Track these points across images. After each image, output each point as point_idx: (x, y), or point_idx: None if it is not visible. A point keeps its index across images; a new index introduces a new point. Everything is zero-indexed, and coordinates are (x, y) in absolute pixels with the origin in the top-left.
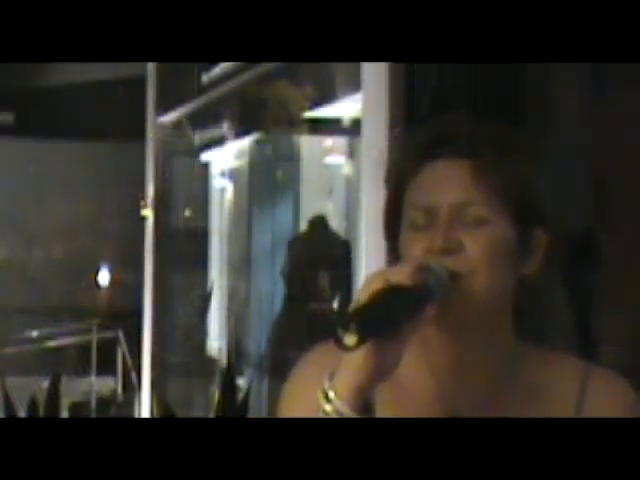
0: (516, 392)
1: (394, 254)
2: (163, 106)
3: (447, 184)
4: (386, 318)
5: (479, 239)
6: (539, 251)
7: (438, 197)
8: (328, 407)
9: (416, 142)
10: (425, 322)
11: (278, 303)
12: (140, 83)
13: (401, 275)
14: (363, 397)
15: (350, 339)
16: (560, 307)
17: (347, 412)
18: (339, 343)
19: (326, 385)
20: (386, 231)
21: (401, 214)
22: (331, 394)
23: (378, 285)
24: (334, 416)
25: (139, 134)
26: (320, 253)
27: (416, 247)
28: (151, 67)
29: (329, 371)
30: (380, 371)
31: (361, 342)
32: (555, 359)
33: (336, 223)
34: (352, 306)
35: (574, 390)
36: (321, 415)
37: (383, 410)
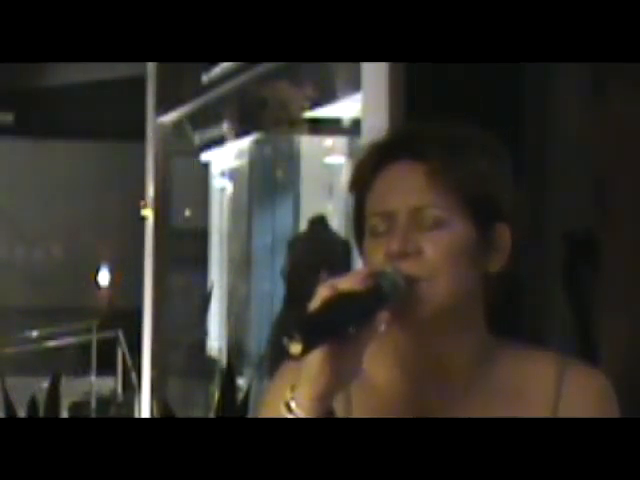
0: (490, 389)
1: (364, 260)
2: (163, 106)
3: (403, 188)
4: (333, 326)
5: (438, 241)
6: (504, 247)
7: (395, 202)
8: (291, 417)
9: (374, 147)
10: (383, 326)
11: (278, 303)
12: (140, 83)
13: (351, 282)
14: (324, 405)
15: (295, 348)
16: (553, 305)
17: None
18: (286, 352)
19: (288, 396)
20: (355, 238)
21: (364, 222)
22: (292, 404)
23: (326, 294)
24: None
25: (139, 134)
26: (320, 253)
27: (376, 253)
28: (151, 67)
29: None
30: (338, 378)
31: (306, 351)
32: (530, 354)
33: (336, 223)
34: (297, 315)
35: (550, 385)
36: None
37: (358, 413)
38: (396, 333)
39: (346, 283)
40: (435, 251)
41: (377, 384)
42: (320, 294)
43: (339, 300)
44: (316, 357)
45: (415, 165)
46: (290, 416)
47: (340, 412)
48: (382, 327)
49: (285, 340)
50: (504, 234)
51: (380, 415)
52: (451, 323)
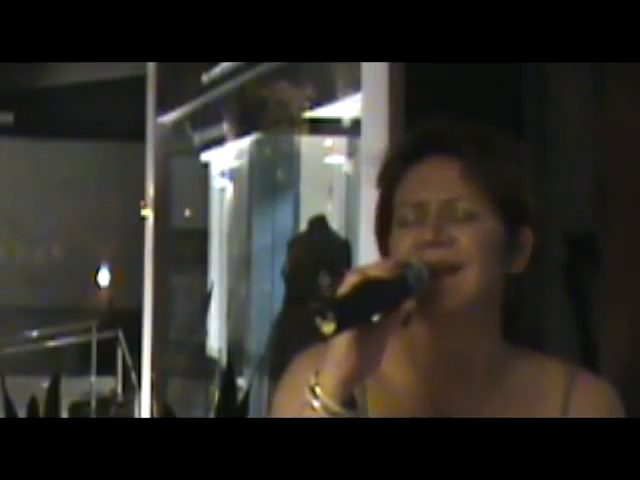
0: (506, 394)
1: (385, 254)
2: (163, 106)
3: (436, 181)
4: (363, 309)
5: (470, 233)
6: (527, 250)
7: (428, 193)
8: (315, 403)
9: (406, 143)
10: (407, 316)
11: (278, 303)
12: (140, 83)
13: (379, 270)
14: (348, 391)
15: (328, 327)
16: (553, 307)
17: (333, 407)
18: (318, 331)
19: (312, 381)
20: (377, 232)
21: (392, 214)
22: (317, 390)
23: (355, 279)
24: (321, 412)
25: (139, 134)
26: (320, 253)
27: (405, 242)
28: (151, 67)
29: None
30: (363, 365)
31: (337, 331)
32: (541, 362)
33: (336, 223)
34: (330, 296)
35: (559, 394)
36: (309, 412)
37: (371, 409)
38: (415, 329)
39: (374, 270)
40: (468, 242)
41: (393, 381)
42: (349, 279)
43: (367, 286)
44: (342, 342)
45: (449, 161)
46: (315, 402)
47: None
48: (405, 317)
49: (318, 320)
50: (528, 237)
51: (394, 412)
52: (471, 321)
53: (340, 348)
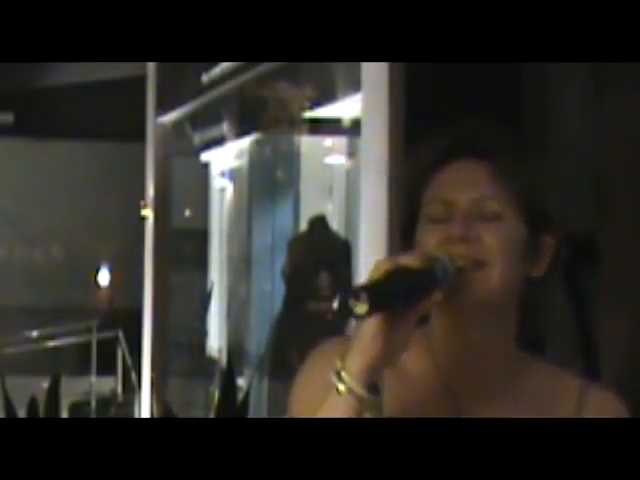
0: (521, 399)
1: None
2: (163, 106)
3: (466, 181)
4: (393, 295)
5: (496, 232)
6: (547, 255)
7: (458, 191)
8: (341, 386)
9: (438, 142)
10: (430, 307)
11: (278, 303)
12: (140, 83)
13: (409, 260)
14: (373, 377)
15: (361, 308)
16: (553, 307)
17: (359, 390)
18: (350, 312)
19: (338, 365)
20: (402, 229)
21: (420, 210)
22: (343, 374)
23: (388, 265)
24: (346, 395)
25: (139, 134)
26: (320, 253)
27: (433, 238)
28: (151, 67)
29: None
30: (389, 351)
31: (371, 312)
32: (555, 373)
33: (336, 223)
34: (363, 280)
35: (572, 406)
36: (334, 396)
37: (388, 400)
38: (435, 321)
39: (405, 259)
40: (494, 240)
41: (411, 373)
42: (380, 265)
43: (397, 273)
44: (370, 328)
45: (479, 163)
46: (341, 385)
47: None
48: (432, 308)
49: (351, 301)
50: (549, 244)
51: (409, 405)
52: (489, 319)
53: (368, 334)
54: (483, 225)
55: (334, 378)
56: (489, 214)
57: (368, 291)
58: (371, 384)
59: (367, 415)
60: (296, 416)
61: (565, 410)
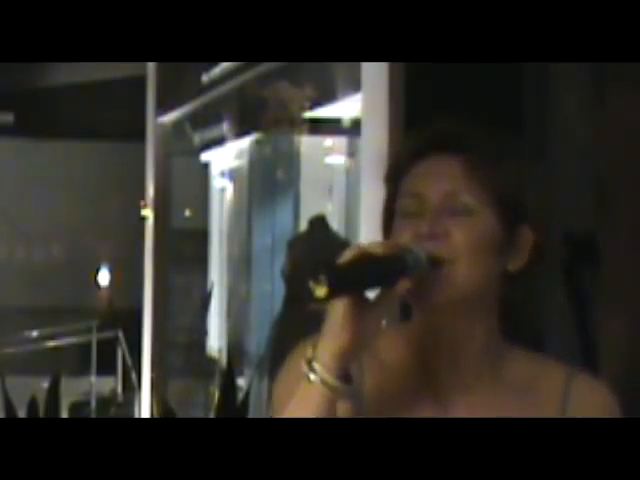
0: (501, 384)
1: None
2: (163, 106)
3: (438, 174)
4: (357, 280)
5: (466, 227)
6: (525, 249)
7: (429, 185)
8: (312, 376)
9: (412, 139)
10: (399, 295)
11: (278, 303)
12: (140, 83)
13: (378, 247)
14: (344, 364)
15: (320, 290)
16: (553, 305)
17: (329, 379)
18: (311, 296)
19: (309, 354)
20: (383, 224)
21: (395, 205)
22: (314, 362)
23: (355, 252)
24: (317, 384)
25: (139, 134)
26: (320, 253)
27: (405, 233)
28: (151, 67)
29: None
30: (359, 338)
31: (329, 296)
32: (540, 362)
33: (336, 223)
34: (325, 261)
35: (558, 389)
36: (306, 385)
37: (369, 391)
38: (416, 317)
39: (375, 247)
40: (462, 236)
41: (390, 361)
42: (348, 251)
43: (364, 260)
44: (338, 315)
45: (453, 157)
46: (311, 375)
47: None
48: (400, 295)
49: (311, 283)
50: (526, 236)
51: (390, 393)
52: (466, 311)
53: (336, 321)
54: (453, 219)
55: (305, 367)
56: (460, 208)
57: (328, 274)
58: (343, 372)
59: (342, 404)
60: (277, 412)
61: (550, 397)
